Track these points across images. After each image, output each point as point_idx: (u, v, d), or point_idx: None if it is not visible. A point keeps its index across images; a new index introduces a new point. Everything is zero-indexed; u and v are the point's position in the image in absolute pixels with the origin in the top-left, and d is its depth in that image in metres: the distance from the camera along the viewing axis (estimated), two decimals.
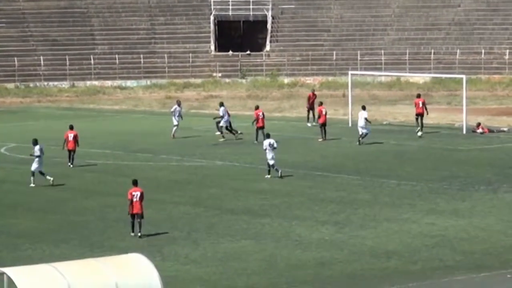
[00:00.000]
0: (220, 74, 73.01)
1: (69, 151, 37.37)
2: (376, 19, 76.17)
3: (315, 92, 50.60)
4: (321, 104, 45.34)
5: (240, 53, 74.57)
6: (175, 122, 44.81)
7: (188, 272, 22.57)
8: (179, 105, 45.71)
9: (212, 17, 75.91)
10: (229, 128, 43.92)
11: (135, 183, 26.40)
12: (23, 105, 63.13)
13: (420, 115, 45.30)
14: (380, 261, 23.37)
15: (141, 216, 25.97)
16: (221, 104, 44.40)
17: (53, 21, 74.96)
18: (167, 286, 17.92)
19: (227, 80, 72.15)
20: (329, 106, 56.99)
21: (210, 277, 22.26)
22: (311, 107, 48.92)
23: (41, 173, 33.43)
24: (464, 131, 45.40)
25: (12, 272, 16.38)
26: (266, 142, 34.24)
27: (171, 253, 24.11)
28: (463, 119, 46.04)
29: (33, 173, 33.25)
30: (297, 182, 33.65)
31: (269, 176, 34.03)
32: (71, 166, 37.25)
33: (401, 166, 36.69)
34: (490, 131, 45.57)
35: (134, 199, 25.98)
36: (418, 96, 46.94)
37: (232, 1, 76.68)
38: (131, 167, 37.30)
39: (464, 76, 48.89)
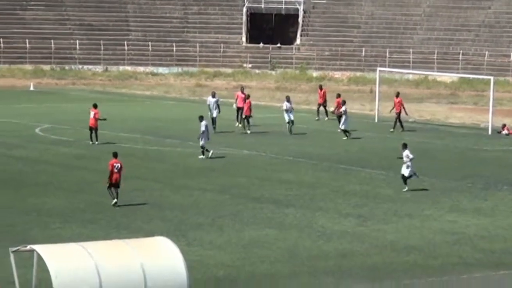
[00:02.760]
0: (250, 65, 73.05)
1: (90, 129, 37.95)
2: (406, 18, 75.83)
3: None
4: (338, 96, 45.53)
5: (270, 45, 74.55)
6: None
7: (212, 257, 22.64)
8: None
9: (244, 9, 75.92)
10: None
11: (115, 155, 27.92)
12: (58, 87, 63.49)
13: (398, 114, 44.68)
14: (400, 255, 23.34)
15: (118, 185, 27.35)
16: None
17: (90, 6, 75.29)
18: (191, 270, 17.99)
19: (257, 71, 72.17)
20: (356, 101, 57.01)
21: (233, 263, 22.32)
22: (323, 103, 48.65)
23: None
24: (490, 132, 45.15)
25: (42, 249, 16.51)
26: (204, 123, 35.72)
27: (196, 238, 24.19)
28: (489, 120, 45.78)
29: None
30: (322, 174, 33.64)
31: (203, 156, 35.48)
32: (97, 143, 37.75)
33: (425, 163, 36.53)
34: None
35: (115, 170, 27.34)
36: (397, 95, 45.54)
37: None
38: (159, 152, 37.44)
39: (492, 78, 48.55)
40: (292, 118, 42.73)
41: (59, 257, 16.26)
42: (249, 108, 43.20)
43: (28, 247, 16.85)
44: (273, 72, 72.06)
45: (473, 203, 29.42)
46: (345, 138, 41.60)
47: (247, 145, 39.59)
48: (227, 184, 31.38)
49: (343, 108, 42.35)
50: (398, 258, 23.09)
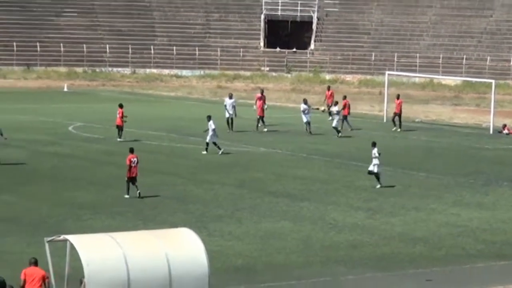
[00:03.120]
0: (267, 68, 73.04)
1: (117, 126, 38.25)
2: (413, 25, 75.60)
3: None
4: (344, 97, 45.37)
5: (286, 50, 74.51)
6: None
7: (231, 247, 22.64)
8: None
9: (262, 16, 75.90)
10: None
11: (131, 150, 27.86)
12: (89, 88, 63.71)
13: (397, 114, 44.54)
14: (407, 246, 23.27)
15: (136, 179, 27.49)
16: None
17: (119, 13, 75.49)
18: (212, 259, 18.00)
19: (273, 74, 72.16)
20: (366, 102, 56.86)
21: (251, 253, 22.32)
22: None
23: None
24: (491, 132, 44.97)
25: (74, 239, 16.57)
26: (211, 122, 35.73)
27: (216, 230, 24.20)
28: (490, 120, 45.60)
29: None
30: (334, 170, 33.59)
31: (221, 151, 35.47)
32: (120, 140, 38.07)
33: (431, 160, 36.44)
34: None
35: (133, 165, 27.39)
36: (398, 97, 45.45)
37: (281, 2, 76.62)
38: (183, 149, 37.49)
39: (493, 81, 48.37)
40: (309, 119, 42.68)
41: (90, 247, 16.31)
42: (262, 109, 43.38)
43: (62, 237, 16.91)
44: (289, 75, 72.02)
45: (475, 198, 29.30)
46: (338, 135, 41.54)
47: (264, 143, 39.58)
48: (246, 179, 31.38)
49: (335, 108, 42.37)
50: (405, 249, 23.03)
